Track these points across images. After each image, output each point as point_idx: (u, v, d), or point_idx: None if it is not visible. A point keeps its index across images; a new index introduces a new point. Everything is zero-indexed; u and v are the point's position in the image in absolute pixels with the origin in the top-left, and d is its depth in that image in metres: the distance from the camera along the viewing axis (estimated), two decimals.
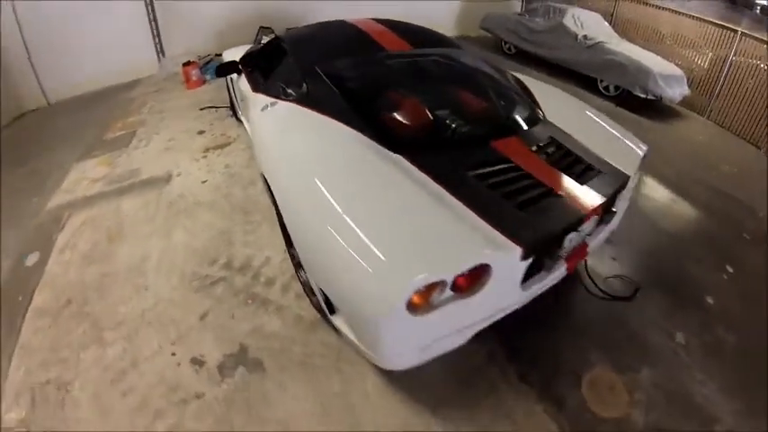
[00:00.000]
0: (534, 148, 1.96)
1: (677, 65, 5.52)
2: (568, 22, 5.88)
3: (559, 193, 1.71)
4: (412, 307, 1.29)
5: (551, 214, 1.63)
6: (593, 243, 1.95)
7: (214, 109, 4.83)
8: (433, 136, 2.01)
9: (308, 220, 1.58)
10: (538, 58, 6.45)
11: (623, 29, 6.25)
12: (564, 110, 2.41)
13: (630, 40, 5.97)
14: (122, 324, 2.13)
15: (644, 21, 6.11)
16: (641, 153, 2.12)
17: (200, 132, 4.32)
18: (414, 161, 1.71)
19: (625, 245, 2.83)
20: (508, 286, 1.58)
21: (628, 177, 1.92)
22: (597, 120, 2.39)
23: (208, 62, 6.16)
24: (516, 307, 1.71)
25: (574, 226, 1.65)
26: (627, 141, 2.20)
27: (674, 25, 5.77)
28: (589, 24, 5.91)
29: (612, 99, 5.61)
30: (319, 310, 1.93)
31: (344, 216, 1.43)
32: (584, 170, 1.90)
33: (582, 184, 1.79)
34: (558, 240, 1.65)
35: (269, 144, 2.12)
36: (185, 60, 5.78)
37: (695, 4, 6.63)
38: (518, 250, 1.42)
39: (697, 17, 5.52)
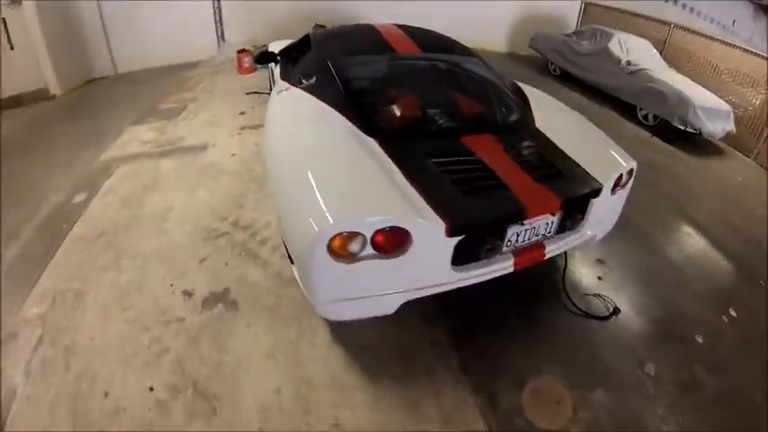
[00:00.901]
0: (506, 147, 2.08)
1: (727, 100, 5.33)
2: (614, 46, 5.84)
3: (510, 187, 1.81)
4: (334, 252, 1.48)
5: (492, 203, 1.74)
6: (554, 246, 2.00)
7: (258, 94, 5.31)
8: (409, 126, 2.23)
9: (280, 177, 1.86)
10: (581, 80, 6.43)
11: (674, 58, 6.08)
12: (557, 118, 2.53)
13: (680, 71, 5.82)
14: (138, 257, 2.54)
15: (697, 51, 5.91)
16: (626, 166, 2.14)
17: (242, 113, 4.81)
18: (383, 145, 1.92)
19: (619, 267, 2.79)
20: (436, 262, 1.67)
21: (600, 186, 1.96)
22: (588, 131, 2.48)
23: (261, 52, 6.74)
24: (449, 287, 1.79)
25: (513, 218, 1.74)
26: (613, 154, 2.23)
27: (728, 58, 5.56)
28: (635, 50, 5.83)
29: (650, 128, 5.50)
30: None
31: (306, 174, 1.69)
32: (550, 173, 1.99)
33: (540, 183, 1.88)
34: (496, 230, 1.76)
35: (270, 120, 2.42)
36: (240, 48, 6.37)
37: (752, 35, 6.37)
38: (442, 225, 1.55)
39: (754, 52, 5.30)
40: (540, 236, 1.95)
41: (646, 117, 5.57)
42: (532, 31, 7.35)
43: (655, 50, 6.03)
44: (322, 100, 2.30)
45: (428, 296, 1.78)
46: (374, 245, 1.52)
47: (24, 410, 1.72)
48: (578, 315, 2.33)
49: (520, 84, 2.96)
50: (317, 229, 1.44)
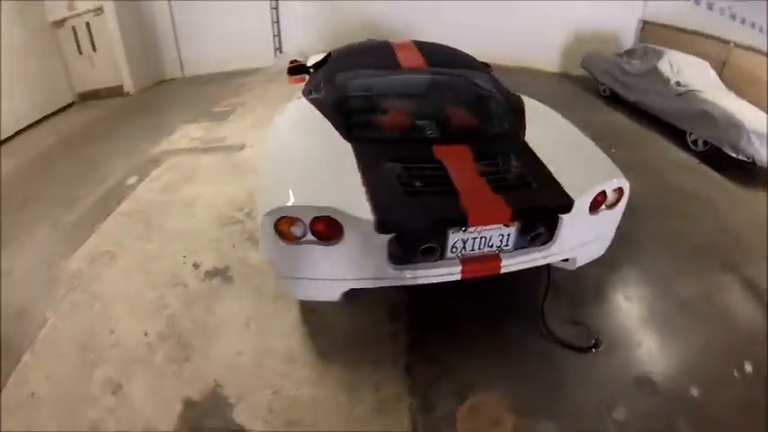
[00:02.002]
0: (477, 158, 2.15)
1: None
2: (663, 66, 5.64)
3: (459, 194, 1.85)
4: (281, 233, 1.70)
5: (431, 207, 1.81)
6: (514, 261, 1.97)
7: None
8: (385, 134, 2.41)
9: (261, 168, 2.17)
10: (629, 102, 6.27)
11: (734, 79, 5.72)
12: (549, 133, 2.52)
13: (740, 93, 5.48)
14: (166, 233, 3.05)
15: (756, 71, 5.54)
16: (610, 183, 2.05)
17: None
18: (356, 149, 2.09)
19: (617, 297, 2.64)
20: (370, 256, 1.77)
21: (569, 202, 1.92)
22: (581, 147, 2.43)
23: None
24: (390, 283, 1.87)
25: (452, 223, 1.79)
26: (598, 171, 2.14)
27: None
28: (687, 70, 5.58)
29: (699, 155, 5.23)
30: None
31: (275, 166, 2.04)
32: (517, 184, 2.03)
33: (498, 193, 1.89)
34: (434, 233, 1.81)
35: (272, 124, 2.60)
36: (293, 59, 7.03)
37: None
38: (371, 219, 1.66)
39: None
40: (495, 248, 1.95)
41: (695, 142, 5.31)
42: (587, 51, 7.25)
43: (712, 71, 5.73)
44: (317, 108, 2.52)
45: (400, 291, 1.96)
46: (313, 231, 1.70)
47: (49, 336, 2.25)
48: (550, 341, 2.20)
49: (526, 98, 2.98)
50: (266, 210, 1.70)
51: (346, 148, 2.14)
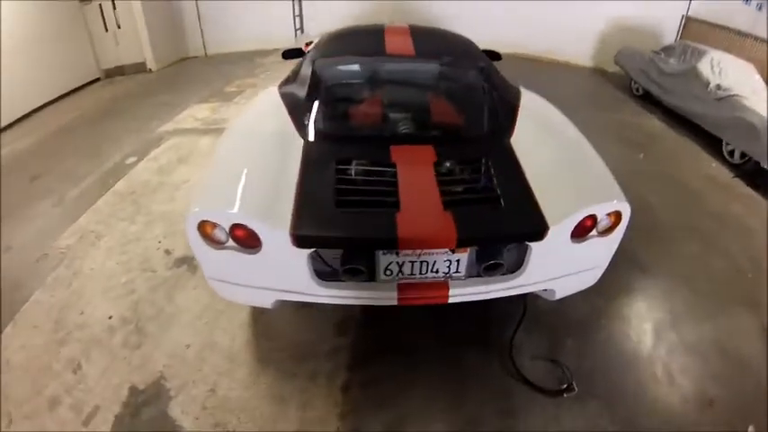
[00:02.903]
0: (439, 162, 1.94)
1: None
2: (704, 67, 5.19)
3: (400, 209, 1.64)
4: (205, 236, 1.63)
5: (360, 223, 1.61)
6: (467, 291, 1.76)
7: None
8: (342, 131, 2.26)
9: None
10: (663, 104, 5.85)
11: None
12: (544, 137, 2.21)
13: None
14: (149, 215, 3.20)
15: None
16: (604, 206, 1.70)
17: None
18: (306, 147, 1.98)
19: (603, 335, 2.30)
20: (292, 269, 1.66)
21: (543, 228, 1.61)
22: (578, 156, 2.08)
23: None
24: (318, 300, 1.75)
25: (380, 245, 1.60)
26: (592, 189, 1.80)
27: None
28: (730, 73, 5.10)
29: (735, 168, 4.83)
30: None
31: (220, 163, 1.98)
32: (480, 198, 1.78)
33: (449, 211, 1.66)
34: (359, 253, 1.66)
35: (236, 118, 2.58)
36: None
37: None
38: (285, 233, 1.54)
39: None
40: (443, 274, 1.72)
41: (731, 153, 4.90)
42: (622, 46, 6.78)
43: (757, 75, 5.22)
44: (282, 99, 2.41)
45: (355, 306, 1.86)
46: (234, 237, 1.62)
47: (30, 309, 2.43)
48: (518, 381, 1.97)
49: (527, 92, 2.72)
50: (188, 212, 1.62)
51: (295, 145, 2.02)
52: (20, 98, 5.35)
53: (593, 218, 1.70)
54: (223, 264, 1.73)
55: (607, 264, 1.98)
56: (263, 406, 1.82)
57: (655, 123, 5.74)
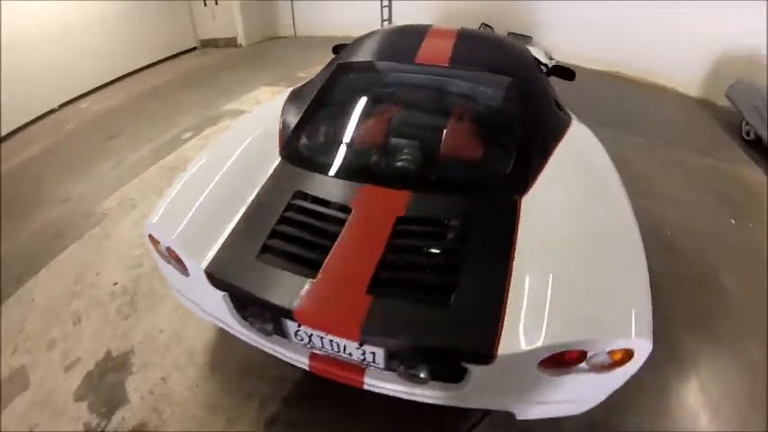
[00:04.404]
0: (400, 221, 1.58)
1: None
2: None
3: (319, 276, 1.40)
4: (154, 245, 1.65)
5: (268, 283, 1.43)
6: (386, 385, 1.45)
7: None
8: (318, 157, 2.01)
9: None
10: None
11: None
12: (576, 197, 1.65)
13: None
14: None
15: None
16: (612, 345, 1.19)
17: None
18: (275, 172, 1.84)
19: None
20: (213, 301, 1.58)
21: (488, 351, 1.20)
22: (609, 253, 1.42)
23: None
24: (246, 339, 1.65)
25: (278, 311, 1.39)
26: (599, 317, 1.24)
27: None
28: None
29: None
30: None
31: (193, 173, 1.87)
32: (423, 286, 1.38)
33: (372, 295, 1.34)
34: (262, 311, 1.53)
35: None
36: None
37: None
38: (201, 270, 1.47)
39: None
40: (357, 359, 1.47)
41: None
42: (737, 77, 5.63)
43: None
44: (283, 109, 2.27)
45: None
46: (171, 256, 1.60)
47: (63, 259, 2.86)
48: None
49: (579, 127, 2.19)
50: (147, 222, 1.65)
51: (272, 165, 1.89)
52: (125, 59, 6.17)
53: (581, 352, 1.23)
54: (170, 274, 1.75)
55: (602, 398, 1.47)
56: (196, 409, 1.94)
57: (761, 179, 4.83)
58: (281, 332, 1.56)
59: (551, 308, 1.25)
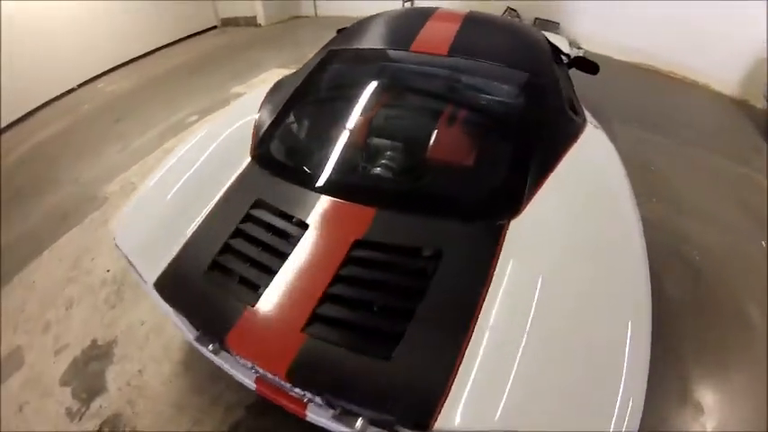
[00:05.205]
0: (365, 242, 1.37)
1: None
2: None
3: (259, 303, 1.28)
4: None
5: (208, 303, 1.34)
6: (326, 421, 1.27)
7: None
8: (286, 162, 1.84)
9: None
10: None
11: None
12: (575, 227, 1.38)
13: None
14: None
15: None
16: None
17: None
18: (245, 169, 1.72)
19: None
20: (170, 312, 1.52)
21: (425, 420, 1.01)
22: (604, 312, 1.16)
23: None
24: (201, 351, 1.51)
25: (212, 332, 1.34)
26: (568, 406, 1.01)
27: None
28: None
29: None
30: None
31: (164, 173, 1.81)
32: (364, 330, 1.20)
33: (306, 331, 1.19)
34: (202, 329, 1.44)
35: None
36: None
37: None
38: (152, 279, 1.43)
39: None
40: (298, 393, 1.32)
41: None
42: None
43: None
44: (267, 95, 2.18)
45: None
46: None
47: (64, 243, 2.98)
48: None
49: (595, 133, 1.92)
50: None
51: (241, 165, 1.75)
52: (146, 38, 6.32)
53: None
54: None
55: None
56: (166, 405, 2.00)
57: None
58: (228, 351, 1.44)
59: (515, 383, 1.01)
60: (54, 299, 2.60)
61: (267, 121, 1.94)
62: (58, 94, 5.24)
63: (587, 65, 2.79)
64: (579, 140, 1.75)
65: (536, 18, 6.01)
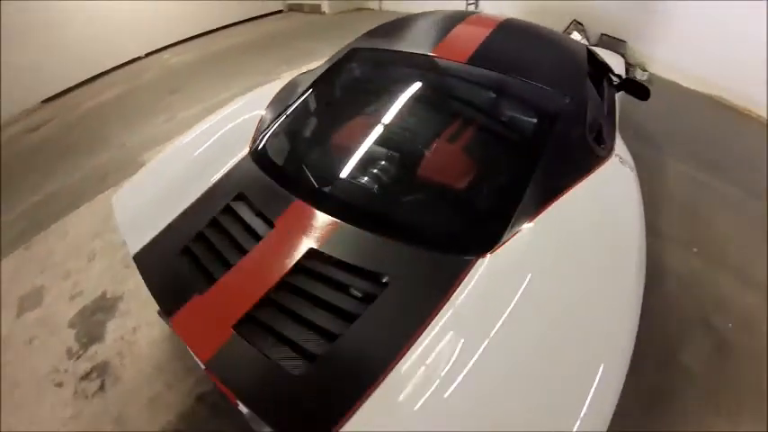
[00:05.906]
0: (319, 254, 1.33)
1: None
2: None
3: (209, 291, 1.33)
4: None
5: (169, 282, 1.42)
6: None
7: None
8: (277, 155, 1.81)
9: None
10: None
11: None
12: (570, 257, 1.28)
13: None
14: None
15: None
16: None
17: None
18: (241, 160, 1.75)
19: None
20: None
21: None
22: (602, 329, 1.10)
23: None
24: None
25: (164, 310, 1.39)
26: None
27: None
28: None
29: None
30: None
31: (166, 156, 1.90)
32: (291, 342, 1.17)
33: (237, 327, 1.22)
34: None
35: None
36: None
37: None
38: (133, 251, 1.53)
39: None
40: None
41: None
42: None
43: None
44: (282, 89, 2.21)
45: None
46: None
47: (96, 204, 3.23)
48: None
49: (622, 169, 1.74)
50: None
51: (239, 156, 1.79)
52: (214, 14, 6.71)
53: None
54: None
55: None
56: (148, 365, 2.14)
57: None
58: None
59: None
60: (80, 250, 2.87)
61: (270, 117, 1.99)
62: (127, 59, 5.69)
63: (637, 88, 2.55)
64: (592, 175, 1.55)
65: (602, 34, 5.68)
